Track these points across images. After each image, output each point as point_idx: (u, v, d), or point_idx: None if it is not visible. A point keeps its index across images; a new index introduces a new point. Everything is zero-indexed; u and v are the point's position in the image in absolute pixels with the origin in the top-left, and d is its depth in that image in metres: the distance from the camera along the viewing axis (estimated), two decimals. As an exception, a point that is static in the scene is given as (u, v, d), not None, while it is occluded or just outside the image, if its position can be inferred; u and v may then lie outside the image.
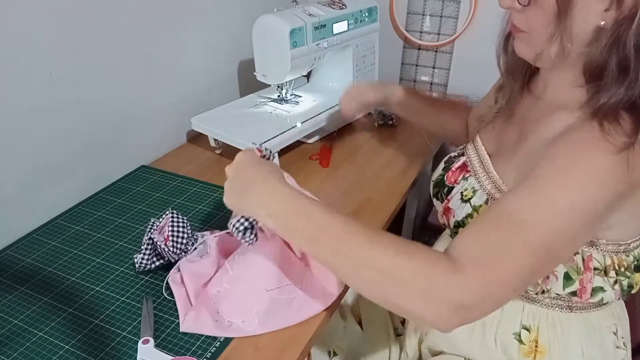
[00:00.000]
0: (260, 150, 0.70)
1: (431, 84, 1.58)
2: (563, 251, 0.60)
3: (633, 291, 0.68)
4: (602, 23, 0.57)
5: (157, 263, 0.78)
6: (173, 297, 0.73)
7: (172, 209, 0.80)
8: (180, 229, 0.76)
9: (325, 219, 0.59)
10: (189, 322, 0.68)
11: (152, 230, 0.80)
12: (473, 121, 0.95)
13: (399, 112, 1.06)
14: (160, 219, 0.80)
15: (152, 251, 0.77)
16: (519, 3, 0.61)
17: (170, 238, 0.75)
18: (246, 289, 0.70)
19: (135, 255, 0.79)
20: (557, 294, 0.68)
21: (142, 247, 0.79)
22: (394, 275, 0.54)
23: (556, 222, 0.55)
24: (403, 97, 1.02)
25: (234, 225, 0.66)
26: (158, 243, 0.75)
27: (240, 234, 0.66)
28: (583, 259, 0.65)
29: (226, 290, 0.71)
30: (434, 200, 0.84)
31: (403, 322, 0.96)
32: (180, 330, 0.68)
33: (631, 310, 0.81)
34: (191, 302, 0.71)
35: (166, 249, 0.75)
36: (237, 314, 0.69)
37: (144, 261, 0.77)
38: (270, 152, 0.71)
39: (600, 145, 0.55)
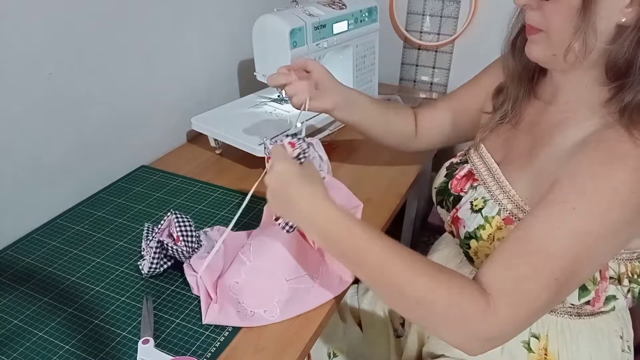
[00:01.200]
0: (293, 145, 0.67)
1: (431, 84, 1.58)
2: (587, 273, 0.61)
3: None
4: (624, 20, 0.56)
5: (165, 266, 0.78)
6: (191, 292, 0.74)
7: (173, 210, 0.79)
8: (188, 228, 0.77)
9: (368, 243, 0.61)
10: (212, 314, 0.69)
11: (150, 235, 0.80)
12: (427, 121, 0.93)
13: (349, 116, 0.89)
14: (161, 222, 0.79)
15: (159, 254, 0.77)
16: None
17: (181, 238, 0.75)
18: (266, 280, 0.72)
19: (140, 263, 0.78)
20: (572, 304, 0.68)
21: (144, 253, 0.79)
22: (429, 307, 0.58)
23: (580, 249, 0.55)
24: (355, 95, 0.90)
25: (282, 226, 0.69)
26: (170, 245, 0.75)
27: (287, 229, 0.69)
28: (600, 270, 0.65)
29: (245, 281, 0.72)
30: (438, 208, 0.83)
31: (403, 324, 0.96)
32: (204, 322, 0.69)
33: (633, 312, 0.81)
34: (210, 296, 0.72)
35: (179, 250, 0.75)
36: (259, 304, 0.70)
37: (154, 265, 0.76)
38: (307, 144, 0.67)
39: (625, 164, 0.54)
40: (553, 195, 0.58)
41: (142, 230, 0.83)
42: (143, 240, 0.81)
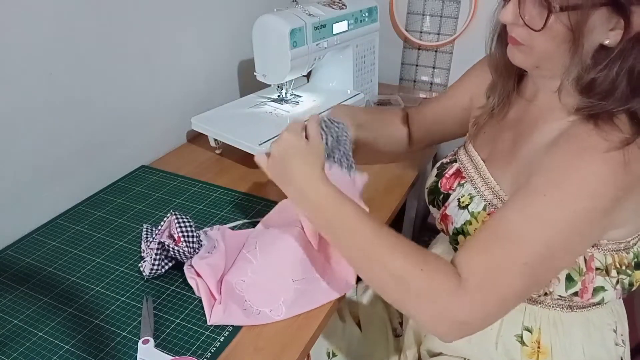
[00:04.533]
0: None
1: (431, 84, 1.58)
2: (560, 262, 0.61)
3: (633, 289, 0.69)
4: (607, 42, 0.56)
5: (167, 267, 0.77)
6: (191, 292, 0.74)
7: (173, 211, 0.79)
8: (189, 228, 0.77)
9: (354, 221, 0.64)
10: (218, 314, 0.69)
11: (150, 236, 0.80)
12: (418, 126, 0.96)
13: (356, 134, 0.90)
14: (161, 223, 0.79)
15: (160, 255, 0.76)
16: (531, 28, 0.58)
17: (183, 239, 0.75)
18: (273, 279, 0.73)
19: (140, 264, 0.78)
20: (559, 296, 0.68)
21: (144, 255, 0.79)
22: (404, 284, 0.59)
23: (551, 236, 0.56)
24: (362, 118, 0.92)
25: None
26: (171, 246, 0.75)
27: None
28: (585, 260, 0.65)
29: (252, 279, 0.73)
30: (430, 207, 0.84)
31: (401, 323, 0.96)
32: (209, 323, 0.69)
33: (629, 309, 0.81)
34: (214, 296, 0.72)
35: (181, 250, 0.75)
36: (265, 303, 0.71)
37: (155, 267, 0.76)
38: (329, 135, 0.74)
39: (594, 155, 0.55)
40: (527, 186, 0.59)
41: (141, 231, 0.84)
42: (142, 242, 0.81)
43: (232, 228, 0.87)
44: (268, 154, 0.72)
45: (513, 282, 0.56)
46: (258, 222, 0.86)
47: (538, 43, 0.60)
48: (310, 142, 0.70)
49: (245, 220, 0.90)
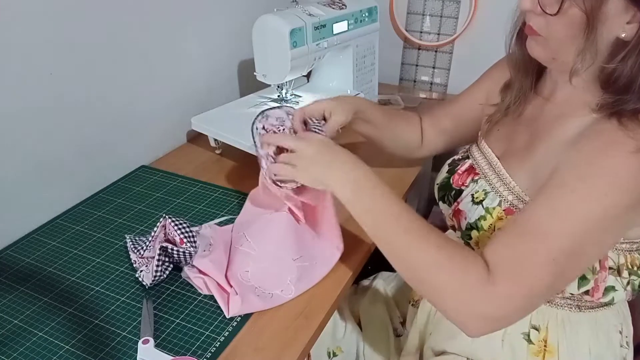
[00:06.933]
0: None
1: (431, 84, 1.58)
2: (588, 258, 0.61)
3: None
4: (623, 35, 0.57)
5: (167, 271, 0.77)
6: (190, 292, 0.74)
7: (166, 215, 0.78)
8: (188, 229, 0.76)
9: (392, 208, 0.65)
10: (236, 305, 0.70)
11: (141, 245, 0.79)
12: (432, 131, 0.96)
13: (361, 128, 0.91)
14: (154, 229, 0.77)
15: (161, 260, 0.75)
16: (545, 12, 0.59)
17: (185, 240, 0.75)
18: (275, 263, 0.75)
19: (138, 275, 0.76)
20: (571, 294, 0.68)
21: (137, 265, 0.77)
22: (431, 274, 0.60)
23: (579, 231, 0.56)
24: (369, 111, 0.89)
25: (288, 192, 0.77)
26: (175, 249, 0.74)
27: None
28: (599, 259, 0.65)
29: (256, 268, 0.75)
30: (440, 203, 0.84)
31: (403, 322, 0.96)
32: (229, 316, 0.70)
33: (631, 309, 0.81)
34: (225, 290, 0.73)
35: (186, 252, 0.75)
36: (275, 286, 0.73)
37: (158, 273, 0.75)
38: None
39: (622, 150, 0.55)
40: (552, 181, 0.59)
41: (143, 230, 0.83)
42: (131, 253, 0.80)
43: (219, 224, 0.88)
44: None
45: (539, 275, 0.56)
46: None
47: (554, 31, 0.61)
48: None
49: (232, 216, 0.91)
